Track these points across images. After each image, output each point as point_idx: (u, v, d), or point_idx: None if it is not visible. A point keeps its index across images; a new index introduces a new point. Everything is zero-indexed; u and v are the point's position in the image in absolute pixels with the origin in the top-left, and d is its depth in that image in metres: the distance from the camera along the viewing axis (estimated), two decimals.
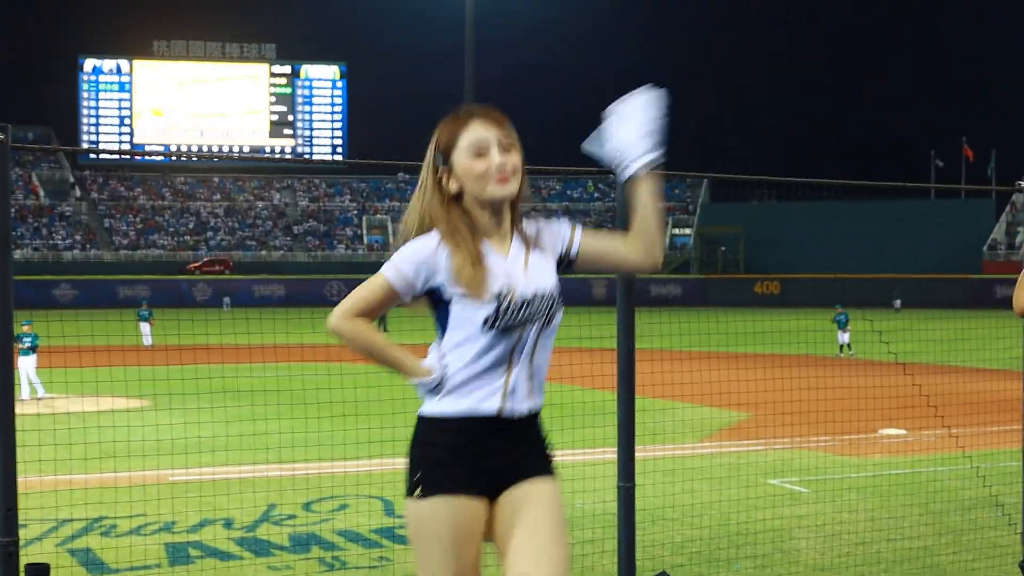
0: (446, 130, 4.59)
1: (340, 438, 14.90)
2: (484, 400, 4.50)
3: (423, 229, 4.59)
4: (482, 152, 4.50)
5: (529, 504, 4.55)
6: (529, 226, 4.69)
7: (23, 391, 25.20)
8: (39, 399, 25.10)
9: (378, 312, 4.66)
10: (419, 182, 4.69)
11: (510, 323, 4.46)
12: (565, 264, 4.69)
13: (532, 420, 4.62)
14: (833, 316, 39.74)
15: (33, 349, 25.81)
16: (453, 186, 4.56)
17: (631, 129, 4.70)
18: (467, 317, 4.49)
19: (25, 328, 26.06)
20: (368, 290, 4.62)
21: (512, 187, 4.52)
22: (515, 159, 4.53)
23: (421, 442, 4.59)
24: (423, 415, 4.60)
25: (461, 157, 4.53)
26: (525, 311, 4.47)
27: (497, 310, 4.45)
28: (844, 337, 38.83)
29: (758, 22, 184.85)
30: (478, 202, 4.55)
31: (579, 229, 4.72)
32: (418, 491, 4.53)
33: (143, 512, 12.54)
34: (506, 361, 4.50)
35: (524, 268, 4.56)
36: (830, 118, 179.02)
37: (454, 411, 4.52)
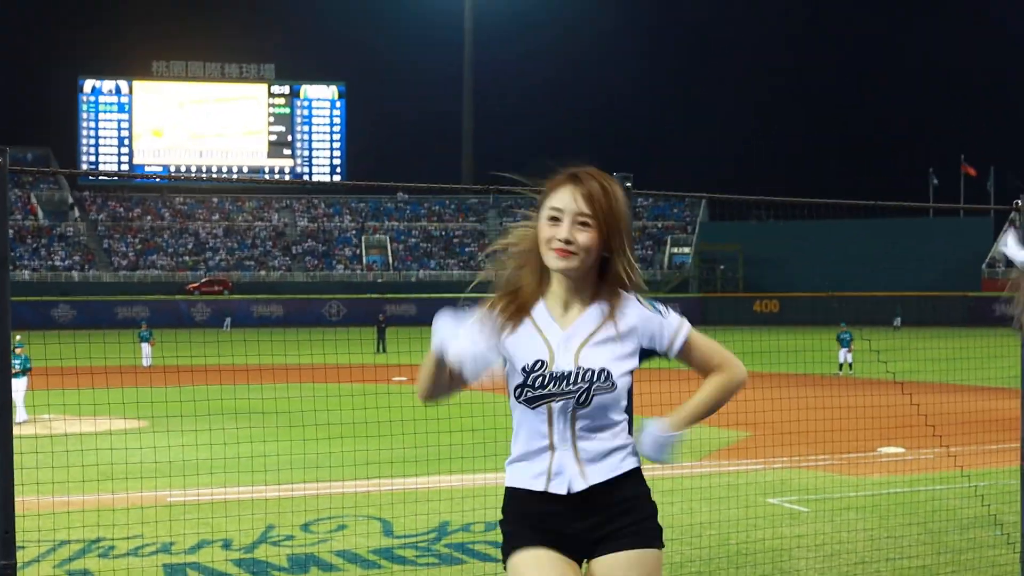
0: (549, 184, 4.55)
1: (338, 459, 14.86)
2: (533, 480, 4.49)
3: (516, 267, 4.60)
4: (556, 219, 4.43)
5: None
6: (630, 307, 4.55)
7: (18, 414, 25.15)
8: (18, 423, 25.00)
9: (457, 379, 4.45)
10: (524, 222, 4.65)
11: (535, 396, 4.41)
12: (662, 355, 4.62)
13: (603, 491, 4.48)
14: (837, 334, 39.71)
15: (24, 372, 25.65)
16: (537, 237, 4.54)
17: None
18: (509, 382, 4.50)
19: (17, 351, 25.86)
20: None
21: (570, 263, 4.41)
22: (585, 238, 4.39)
23: (503, 513, 4.64)
24: (506, 485, 4.63)
25: (542, 216, 4.50)
26: (555, 386, 4.40)
27: (525, 380, 4.43)
28: (847, 356, 38.77)
29: (758, 42, 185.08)
30: (547, 264, 4.50)
31: (684, 333, 4.61)
32: (504, 560, 4.59)
33: (141, 533, 12.53)
34: (546, 440, 4.45)
35: (581, 343, 4.47)
36: (828, 136, 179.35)
37: (516, 485, 4.55)
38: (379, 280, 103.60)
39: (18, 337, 25.86)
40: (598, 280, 4.54)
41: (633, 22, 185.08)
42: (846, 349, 38.79)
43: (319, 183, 69.42)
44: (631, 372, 4.54)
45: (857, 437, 18.23)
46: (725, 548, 11.80)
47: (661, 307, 4.63)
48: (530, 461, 4.49)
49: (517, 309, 4.51)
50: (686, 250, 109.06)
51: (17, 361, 25.48)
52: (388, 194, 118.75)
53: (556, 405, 4.40)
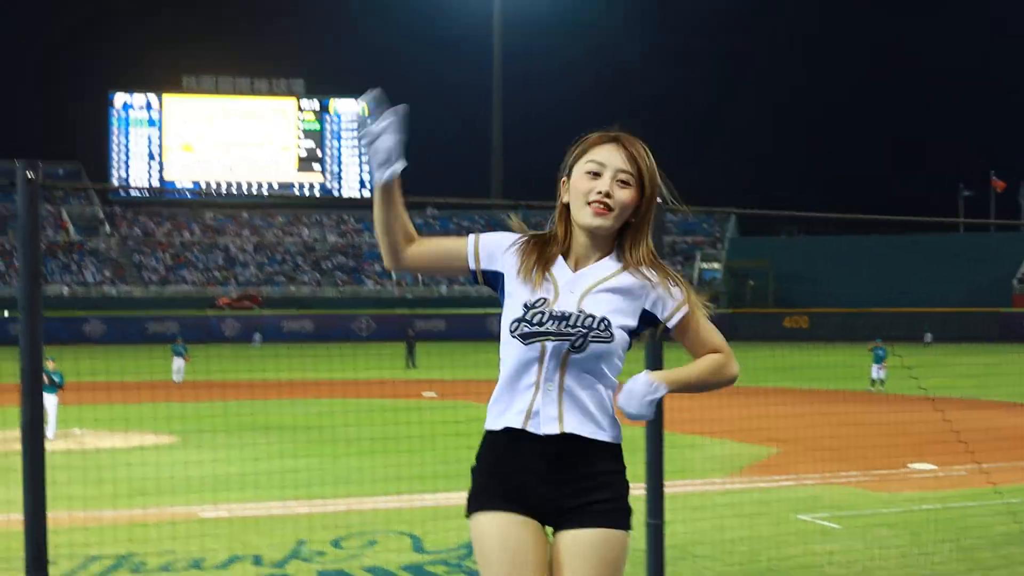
0: (585, 142, 4.55)
1: (369, 474, 14.90)
2: (512, 417, 4.44)
3: (552, 222, 4.63)
4: (596, 173, 4.43)
5: (573, 560, 4.41)
6: (638, 266, 4.54)
7: (48, 429, 25.20)
8: (50, 439, 25.04)
9: (440, 249, 4.75)
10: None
11: (530, 331, 4.39)
12: (661, 328, 4.58)
13: (577, 448, 4.42)
14: (871, 347, 39.46)
15: (56, 386, 25.67)
16: (565, 196, 4.54)
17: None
18: (505, 317, 4.49)
19: (48, 364, 25.82)
20: (444, 239, 4.78)
21: (603, 221, 4.42)
22: (624, 195, 4.41)
23: (476, 459, 4.60)
24: (484, 428, 4.60)
25: (578, 172, 4.48)
26: (552, 324, 4.38)
27: (523, 315, 4.42)
28: (880, 372, 38.50)
29: (788, 57, 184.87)
30: (576, 221, 4.51)
31: (684, 311, 4.58)
32: (467, 509, 4.55)
33: (172, 549, 12.54)
34: (534, 377, 4.42)
35: (587, 288, 4.47)
36: (858, 151, 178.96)
37: (492, 426, 4.52)
38: (408, 295, 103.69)
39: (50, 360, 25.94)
40: (616, 242, 4.56)
41: (664, 36, 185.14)
42: (879, 365, 38.56)
43: (349, 199, 69.97)
44: (630, 331, 4.50)
45: (888, 453, 18.18)
46: (756, 565, 11.76)
47: (675, 277, 4.60)
48: (512, 396, 4.45)
49: (539, 258, 4.52)
50: (716, 265, 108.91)
51: (53, 377, 25.53)
52: (418, 209, 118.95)
53: (550, 344, 4.38)
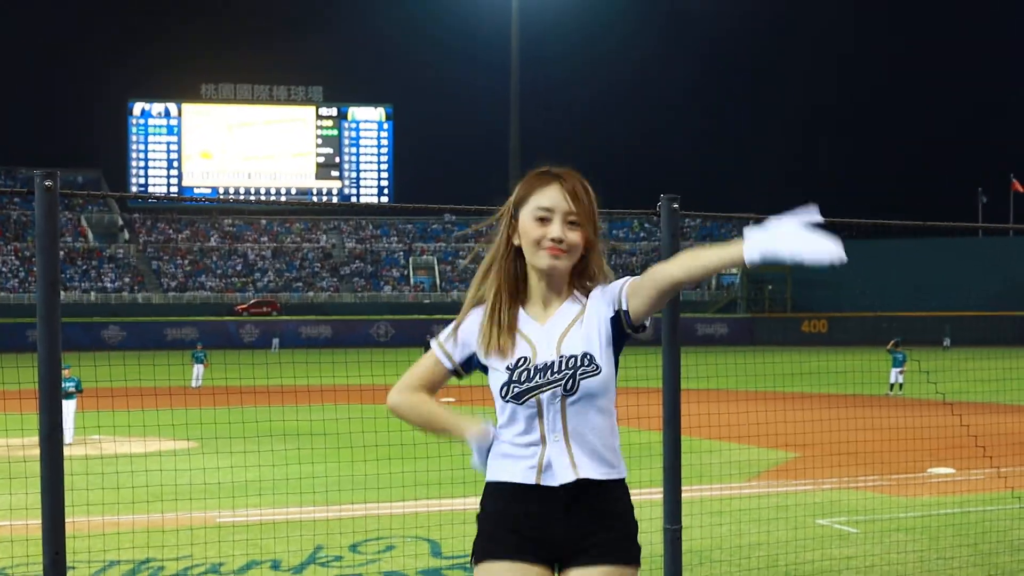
0: (526, 184, 4.59)
1: (387, 480, 14.89)
2: (524, 472, 4.46)
3: (486, 272, 4.64)
4: (544, 219, 4.46)
5: None
6: (597, 292, 4.57)
7: (67, 435, 25.23)
8: (68, 444, 25.07)
9: (433, 386, 4.71)
10: (496, 225, 4.71)
11: (522, 390, 4.42)
12: (627, 322, 4.51)
13: (592, 491, 4.46)
14: (889, 347, 39.34)
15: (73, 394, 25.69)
16: (516, 240, 4.57)
17: (786, 243, 4.25)
18: (494, 386, 4.52)
19: (65, 372, 25.83)
20: (419, 365, 4.71)
21: (560, 263, 4.47)
22: (574, 236, 4.46)
23: (481, 508, 4.62)
24: (486, 479, 4.63)
25: (526, 216, 4.51)
26: (540, 377, 4.41)
27: (510, 377, 4.45)
28: (898, 376, 38.40)
29: (805, 62, 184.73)
30: (532, 265, 4.54)
31: (626, 286, 4.52)
32: (472, 559, 4.59)
33: (190, 554, 12.56)
34: (537, 432, 4.45)
35: (561, 335, 4.49)
36: (875, 155, 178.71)
37: (496, 478, 4.54)
38: (426, 301, 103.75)
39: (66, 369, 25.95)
40: (573, 279, 4.59)
41: (680, 42, 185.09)
42: (898, 369, 38.48)
43: (367, 205, 69.42)
44: (615, 357, 4.52)
45: (907, 458, 18.13)
46: (774, 570, 11.75)
47: (610, 278, 4.64)
48: (520, 456, 4.47)
49: (504, 324, 4.53)
50: (734, 270, 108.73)
51: (71, 384, 25.57)
52: (436, 215, 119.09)
53: (544, 396, 4.41)
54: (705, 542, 12.60)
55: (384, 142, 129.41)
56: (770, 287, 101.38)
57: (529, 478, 4.44)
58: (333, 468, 17.81)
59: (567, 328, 4.50)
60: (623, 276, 4.58)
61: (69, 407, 25.51)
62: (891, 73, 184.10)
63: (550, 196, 4.48)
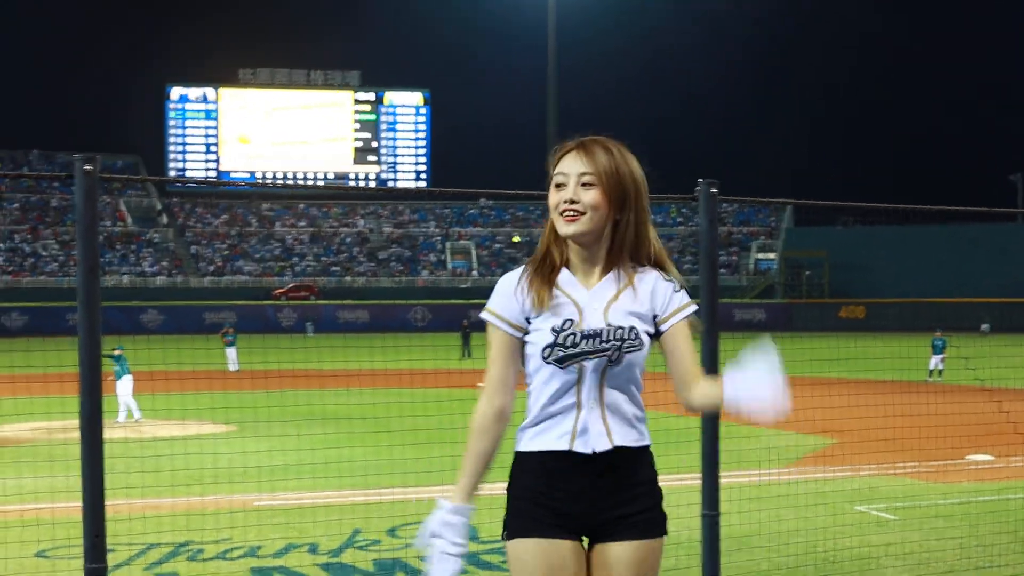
0: (554, 158, 4.57)
1: (425, 464, 14.92)
2: (556, 440, 4.46)
3: (540, 243, 4.63)
4: (561, 184, 4.46)
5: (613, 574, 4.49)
6: (645, 273, 4.54)
7: (121, 415, 25.43)
8: (137, 422, 25.24)
9: (512, 367, 4.58)
10: None
11: (566, 355, 4.40)
12: (656, 327, 4.55)
13: (623, 459, 4.47)
14: (932, 339, 39.21)
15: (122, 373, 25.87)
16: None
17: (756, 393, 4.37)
18: (535, 344, 4.48)
19: (116, 352, 26.09)
20: (491, 354, 4.59)
21: (577, 226, 4.42)
22: (590, 196, 4.41)
23: (511, 482, 4.62)
24: (516, 451, 4.61)
25: (551, 187, 4.51)
26: (587, 344, 4.39)
27: (555, 340, 4.42)
28: (938, 363, 38.22)
29: (844, 46, 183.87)
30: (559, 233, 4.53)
31: (680, 317, 4.54)
32: (504, 533, 4.59)
33: (229, 537, 12.62)
34: (573, 398, 4.44)
35: (606, 303, 4.47)
36: (914, 140, 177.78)
37: (532, 448, 4.53)
38: (463, 286, 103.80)
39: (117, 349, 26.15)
40: (612, 249, 4.53)
41: (719, 26, 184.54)
42: (939, 356, 38.32)
43: (404, 189, 69.36)
44: (650, 336, 4.52)
45: (945, 444, 18.05)
46: (812, 556, 11.73)
47: (675, 283, 4.57)
48: (554, 421, 4.47)
49: (542, 280, 4.50)
50: (771, 255, 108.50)
51: (117, 366, 25.76)
52: (472, 199, 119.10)
53: (588, 364, 4.40)
54: (743, 528, 12.59)
55: (421, 126, 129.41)
56: (808, 273, 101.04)
57: (562, 444, 4.44)
58: (371, 452, 17.88)
59: (615, 295, 4.48)
60: (675, 282, 4.57)
61: (126, 387, 25.68)
62: (929, 54, 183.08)
63: (568, 161, 4.49)
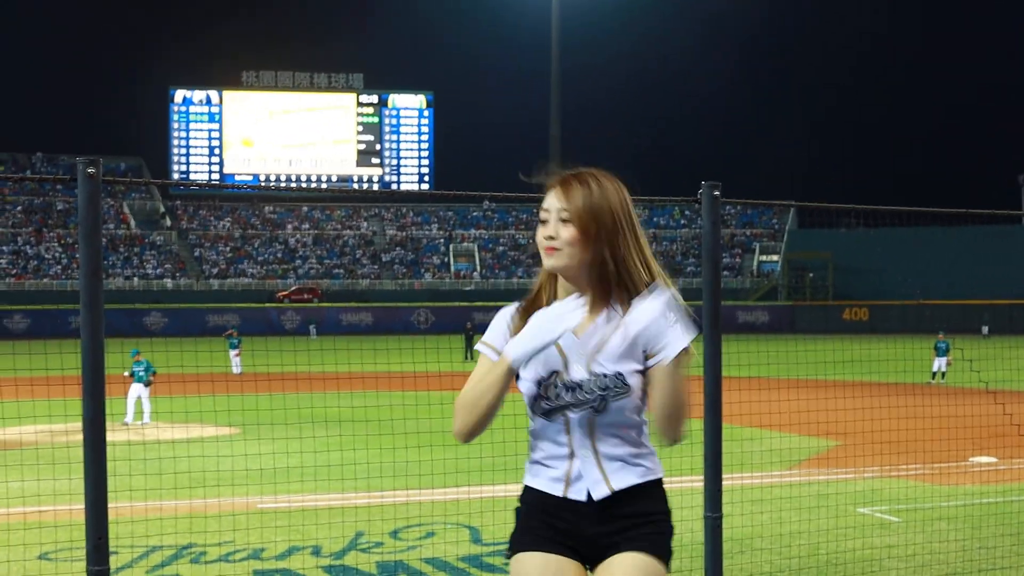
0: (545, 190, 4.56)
1: (427, 466, 14.94)
2: (551, 484, 4.46)
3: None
4: (544, 220, 4.44)
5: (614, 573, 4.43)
6: (643, 304, 4.34)
7: (128, 415, 25.49)
8: (143, 424, 25.26)
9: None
10: None
11: (551, 408, 4.39)
12: (644, 359, 4.43)
13: (627, 496, 4.43)
14: (935, 342, 39.20)
15: (146, 377, 25.88)
16: None
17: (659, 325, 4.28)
18: (524, 393, 4.49)
19: (136, 357, 26.14)
20: (474, 372, 4.58)
21: (555, 261, 4.39)
22: (566, 233, 4.36)
23: (519, 503, 4.62)
24: (523, 481, 4.62)
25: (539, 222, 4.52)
26: (569, 395, 4.37)
27: (538, 391, 4.42)
28: (942, 365, 38.18)
29: (847, 47, 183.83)
30: None
31: (674, 352, 4.30)
32: (507, 552, 4.60)
33: (232, 539, 12.62)
34: (566, 448, 4.42)
35: (592, 351, 4.41)
36: (916, 142, 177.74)
37: (530, 483, 4.55)
38: (467, 288, 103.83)
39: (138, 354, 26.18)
40: (597, 284, 4.46)
41: (721, 28, 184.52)
42: (942, 358, 38.29)
43: (407, 192, 69.39)
44: (643, 372, 4.41)
45: (948, 446, 18.06)
46: (815, 558, 11.73)
47: (675, 314, 4.35)
48: (548, 465, 4.46)
49: (526, 315, 4.48)
50: (774, 258, 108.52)
51: (140, 367, 25.79)
52: (476, 202, 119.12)
53: (573, 416, 4.37)
54: (746, 530, 12.58)
55: (424, 129, 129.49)
56: (811, 275, 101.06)
57: (556, 490, 4.44)
58: (374, 454, 17.87)
59: (601, 343, 4.41)
60: (680, 319, 4.38)
61: (143, 391, 25.74)
62: (933, 55, 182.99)
63: (549, 198, 4.47)
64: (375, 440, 20.49)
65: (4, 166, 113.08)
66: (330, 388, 23.32)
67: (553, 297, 4.53)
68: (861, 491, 16.01)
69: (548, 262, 4.42)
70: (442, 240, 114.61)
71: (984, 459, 18.99)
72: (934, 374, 38.11)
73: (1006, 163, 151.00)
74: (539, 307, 4.48)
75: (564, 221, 4.40)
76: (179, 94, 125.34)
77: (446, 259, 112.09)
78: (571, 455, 4.42)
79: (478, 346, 4.58)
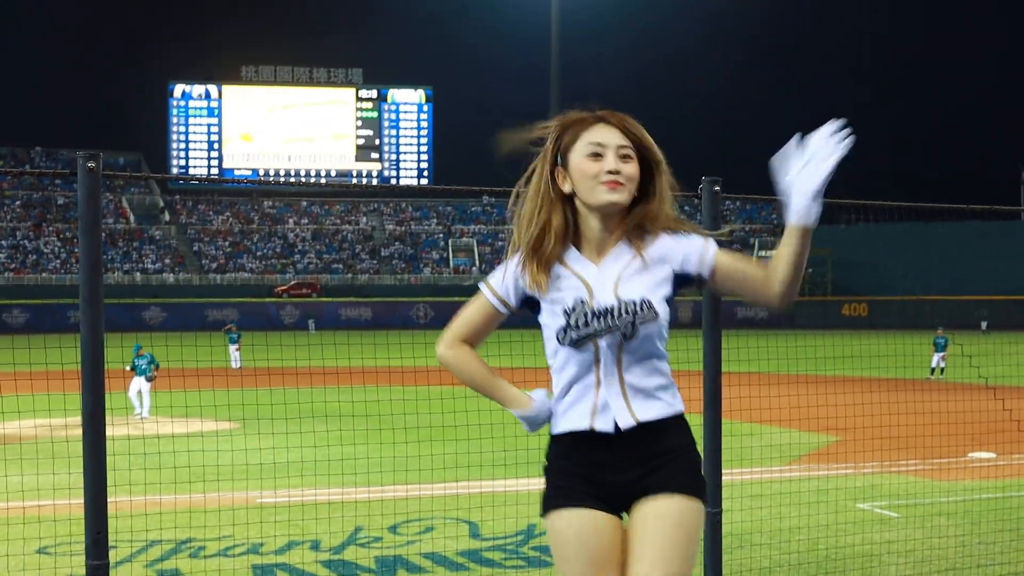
0: (571, 129, 4.55)
1: (426, 461, 14.93)
2: (578, 419, 4.46)
3: (531, 221, 4.57)
4: (598, 154, 4.44)
5: (646, 523, 4.41)
6: (654, 237, 4.51)
7: (137, 408, 25.54)
8: (142, 418, 25.25)
9: (483, 332, 4.72)
10: (534, 172, 4.63)
11: (580, 335, 4.40)
12: (697, 282, 4.54)
13: (650, 431, 4.43)
14: (933, 338, 39.23)
15: (148, 371, 25.90)
16: (567, 186, 4.52)
17: (809, 176, 4.42)
18: (549, 327, 4.49)
19: (140, 352, 26.20)
20: (469, 310, 4.70)
21: (620, 195, 4.41)
22: (630, 169, 4.43)
23: (546, 464, 4.62)
24: (550, 433, 4.62)
25: (577, 157, 4.48)
26: (599, 322, 4.38)
27: (567, 321, 4.42)
28: (940, 360, 38.20)
29: (844, 43, 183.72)
30: (586, 205, 4.49)
31: (713, 247, 4.52)
32: (541, 510, 4.58)
33: (231, 534, 12.62)
34: (592, 376, 4.43)
35: (616, 278, 4.45)
36: (916, 137, 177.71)
37: (559, 430, 4.53)
38: (466, 283, 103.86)
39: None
40: (628, 220, 4.53)
41: (722, 23, 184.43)
42: (941, 354, 38.31)
43: (406, 187, 69.37)
44: (669, 300, 4.50)
45: (948, 442, 18.05)
46: (814, 553, 11.72)
47: (690, 228, 4.58)
48: (575, 400, 4.47)
49: (547, 260, 4.50)
50: (774, 253, 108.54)
51: (142, 361, 25.81)
52: (475, 197, 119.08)
53: (603, 341, 4.39)
54: (745, 525, 12.57)
55: (424, 124, 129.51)
56: (810, 270, 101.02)
57: (583, 423, 4.44)
58: (373, 449, 17.89)
59: (624, 268, 4.47)
60: (691, 229, 4.56)
61: (144, 385, 25.77)
62: (930, 54, 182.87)
63: (599, 132, 4.48)
64: (374, 435, 20.49)
65: (3, 160, 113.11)
66: (329, 383, 23.30)
67: (569, 237, 4.54)
68: (860, 486, 16.01)
69: (611, 196, 4.42)
70: (441, 235, 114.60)
71: (983, 455, 18.98)
72: (932, 370, 38.12)
73: (1007, 158, 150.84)
74: (547, 251, 4.51)
75: (625, 157, 4.45)
76: (178, 88, 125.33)
77: (445, 254, 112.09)
78: (597, 383, 4.43)
79: (480, 284, 4.66)
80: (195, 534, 12.44)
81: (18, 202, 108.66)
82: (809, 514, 13.24)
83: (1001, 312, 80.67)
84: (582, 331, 4.40)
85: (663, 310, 4.46)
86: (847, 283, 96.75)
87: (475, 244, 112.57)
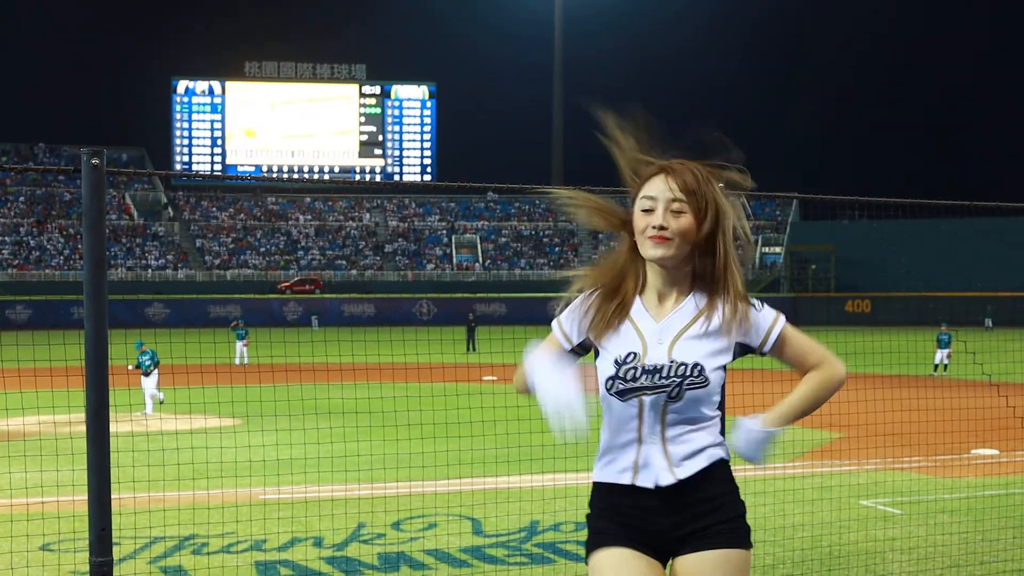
0: (643, 175, 4.53)
1: (429, 458, 14.92)
2: (619, 474, 4.46)
3: (610, 272, 4.59)
4: (649, 209, 4.41)
5: None
6: (725, 301, 4.48)
7: (147, 407, 25.63)
8: (146, 415, 25.27)
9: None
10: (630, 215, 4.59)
11: (626, 388, 4.38)
12: (758, 352, 4.57)
13: (692, 482, 4.41)
14: (937, 334, 39.22)
15: (148, 365, 25.98)
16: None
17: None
18: (601, 373, 4.48)
19: (142, 348, 26.28)
20: (543, 349, 4.66)
21: (663, 251, 4.37)
22: (680, 223, 4.37)
23: (589, 507, 4.62)
24: (592, 480, 4.63)
25: (636, 210, 4.48)
26: (646, 379, 4.36)
27: (616, 372, 4.41)
28: (944, 357, 38.16)
29: (851, 38, 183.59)
30: (643, 255, 4.48)
31: (779, 327, 4.56)
32: (585, 554, 4.58)
33: (234, 531, 12.63)
34: (635, 432, 4.42)
35: (675, 336, 4.43)
36: (921, 132, 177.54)
37: (601, 480, 4.54)
38: (469, 280, 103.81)
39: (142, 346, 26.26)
40: (694, 275, 4.50)
41: (727, 20, 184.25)
42: (944, 350, 38.28)
43: (410, 183, 68.90)
44: (724, 367, 4.46)
45: (951, 439, 18.06)
46: (817, 550, 11.73)
47: (756, 302, 4.56)
48: (616, 454, 4.47)
49: (617, 309, 4.50)
50: (777, 249, 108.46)
51: (145, 357, 25.87)
52: (478, 194, 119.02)
53: (647, 399, 4.36)
54: (748, 522, 12.59)
55: (427, 120, 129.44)
56: (814, 267, 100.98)
57: (625, 479, 4.44)
58: (376, 446, 17.87)
59: (682, 330, 4.44)
60: (756, 301, 4.58)
61: (145, 382, 25.84)
62: (933, 50, 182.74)
63: (655, 185, 4.44)
64: (377, 431, 20.49)
65: (7, 156, 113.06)
66: (332, 379, 23.32)
67: (640, 288, 4.55)
68: (863, 483, 16.01)
69: (654, 251, 4.40)
70: (444, 231, 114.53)
71: (986, 451, 18.98)
72: (936, 366, 38.09)
73: (1013, 154, 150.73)
74: (624, 294, 4.53)
75: (676, 212, 4.40)
76: (182, 84, 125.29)
77: (448, 250, 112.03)
78: (639, 440, 4.42)
79: (553, 322, 4.68)
80: (198, 530, 12.46)
81: (21, 198, 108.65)
82: (812, 511, 13.25)
83: (1006, 308, 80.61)
84: (629, 384, 4.39)
85: (715, 377, 4.43)
86: (850, 279, 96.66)
87: (478, 240, 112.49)
